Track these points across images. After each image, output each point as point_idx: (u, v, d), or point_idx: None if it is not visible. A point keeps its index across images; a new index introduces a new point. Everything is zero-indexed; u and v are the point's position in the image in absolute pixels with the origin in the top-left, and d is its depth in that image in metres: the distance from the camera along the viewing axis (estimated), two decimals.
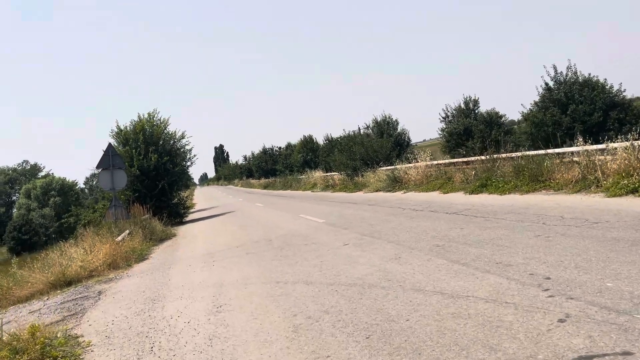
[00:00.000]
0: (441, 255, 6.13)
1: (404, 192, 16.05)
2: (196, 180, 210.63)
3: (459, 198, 11.94)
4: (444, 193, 13.57)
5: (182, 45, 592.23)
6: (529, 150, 13.25)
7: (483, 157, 13.10)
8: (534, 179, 10.66)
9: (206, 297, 6.54)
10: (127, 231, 14.81)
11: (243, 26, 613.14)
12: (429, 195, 14.04)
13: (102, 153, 15.82)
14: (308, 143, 51.07)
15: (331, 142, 48.05)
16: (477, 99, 24.70)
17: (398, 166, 18.08)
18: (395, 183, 17.51)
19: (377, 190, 18.98)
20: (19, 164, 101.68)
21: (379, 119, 29.87)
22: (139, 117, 22.59)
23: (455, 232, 7.52)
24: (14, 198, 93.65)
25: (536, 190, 10.42)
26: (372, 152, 22.65)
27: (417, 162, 17.11)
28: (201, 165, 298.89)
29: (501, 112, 24.27)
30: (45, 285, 10.37)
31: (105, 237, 13.89)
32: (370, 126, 29.82)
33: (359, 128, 30.23)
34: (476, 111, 24.60)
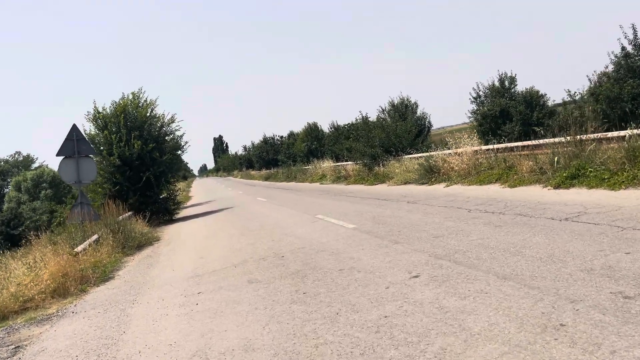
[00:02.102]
0: None
1: (447, 186, 12.73)
2: (196, 172, 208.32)
3: (542, 194, 8.62)
4: (510, 187, 10.25)
5: (180, 34, 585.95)
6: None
7: (563, 139, 9.78)
8: None
9: None
10: (95, 236, 11.54)
11: (241, 12, 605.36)
12: (487, 189, 10.73)
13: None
14: (313, 131, 47.63)
15: (338, 130, 44.74)
16: (514, 76, 21.29)
17: (434, 153, 14.76)
18: (431, 174, 14.20)
19: (405, 183, 15.67)
20: (11, 155, 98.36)
21: (395, 101, 26.49)
22: (122, 97, 19.23)
23: (627, 262, 4.22)
24: (6, 191, 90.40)
25: None
26: (395, 137, 19.31)
27: (459, 147, 13.79)
28: (200, 156, 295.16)
29: (542, 91, 20.88)
30: None
31: (63, 246, 10.67)
32: (386, 109, 26.44)
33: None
34: (513, 90, 21.21)
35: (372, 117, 27.85)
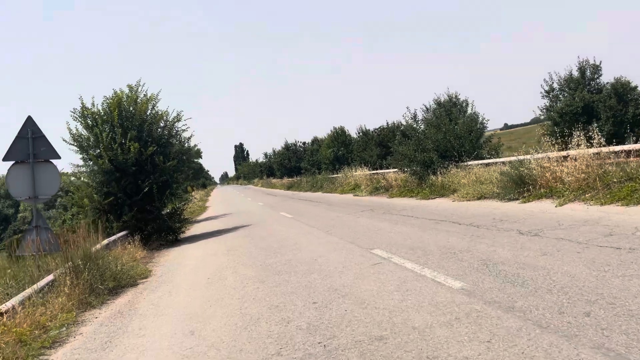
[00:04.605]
0: None
1: (559, 205, 8.77)
2: (217, 179, 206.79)
3: None
4: None
5: (201, 41, 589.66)
6: None
7: None
8: None
9: None
10: (49, 278, 7.92)
11: (260, 20, 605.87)
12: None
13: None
14: (339, 136, 43.81)
15: (367, 135, 41.03)
16: (598, 64, 17.20)
17: (526, 156, 10.83)
18: (521, 186, 10.30)
19: (480, 197, 11.76)
20: None
21: (442, 99, 22.56)
22: (115, 91, 15.69)
23: None
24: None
25: None
26: (455, 139, 15.39)
27: (565, 149, 9.86)
28: (222, 164, 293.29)
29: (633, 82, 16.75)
30: None
31: None
32: (432, 108, 22.50)
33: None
34: (596, 81, 17.13)
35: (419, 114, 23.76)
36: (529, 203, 9.66)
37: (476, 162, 13.97)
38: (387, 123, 38.26)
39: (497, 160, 13.07)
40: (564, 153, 9.82)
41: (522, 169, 10.31)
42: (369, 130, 41.28)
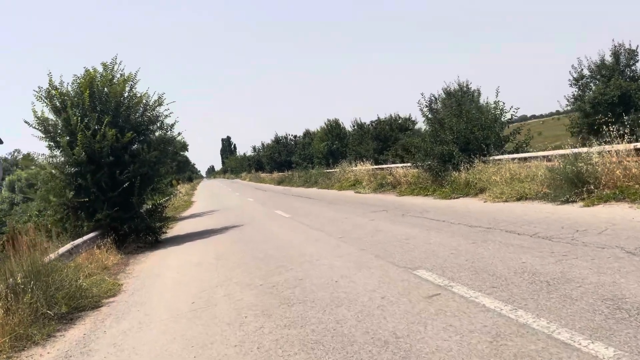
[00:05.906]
0: None
1: None
2: (203, 173, 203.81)
3: None
4: None
5: (190, 32, 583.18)
6: None
7: None
8: None
9: None
10: None
11: (254, 11, 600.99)
12: None
13: None
14: (334, 129, 41.75)
15: (362, 129, 39.06)
16: (634, 49, 15.40)
17: (585, 149, 8.97)
18: (577, 186, 8.42)
19: (519, 198, 9.87)
20: (10, 152, 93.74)
21: (452, 88, 20.67)
22: (86, 71, 13.50)
23: None
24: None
25: None
26: (479, 130, 13.47)
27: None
28: (209, 157, 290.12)
29: None
30: None
31: None
32: (440, 99, 20.59)
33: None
34: (632, 68, 15.33)
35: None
36: (595, 207, 7.77)
37: (509, 156, 12.07)
38: (378, 117, 36.45)
39: (538, 154, 11.16)
40: (631, 146, 7.94)
41: (580, 165, 8.43)
42: (364, 123, 39.36)
